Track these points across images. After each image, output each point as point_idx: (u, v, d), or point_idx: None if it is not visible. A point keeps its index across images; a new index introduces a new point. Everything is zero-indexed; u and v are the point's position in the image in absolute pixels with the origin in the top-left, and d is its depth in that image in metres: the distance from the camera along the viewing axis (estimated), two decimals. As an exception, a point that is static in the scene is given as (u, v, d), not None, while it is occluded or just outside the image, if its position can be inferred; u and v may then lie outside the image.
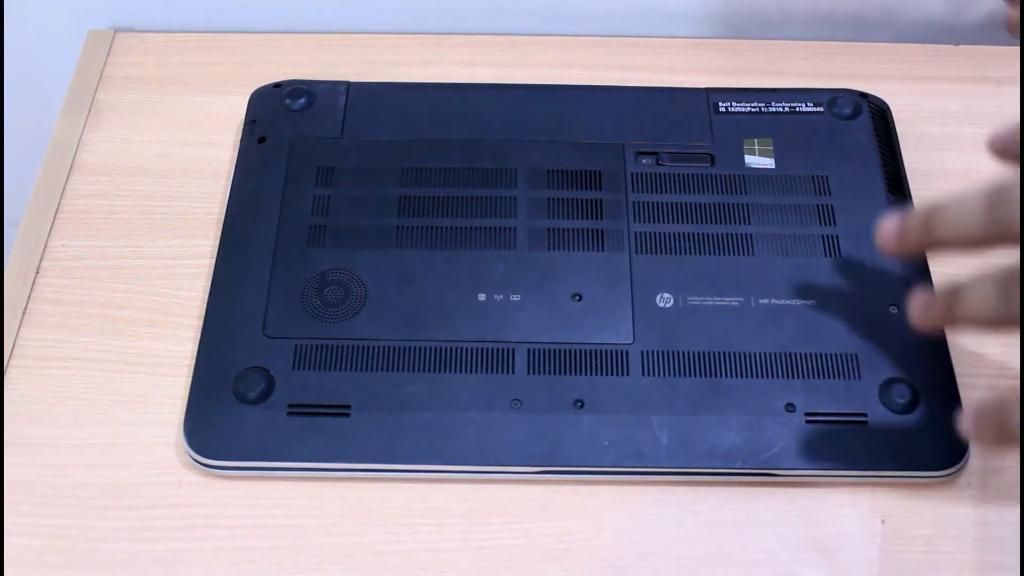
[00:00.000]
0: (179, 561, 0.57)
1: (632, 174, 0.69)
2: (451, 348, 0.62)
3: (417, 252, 0.66)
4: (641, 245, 0.66)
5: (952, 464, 0.59)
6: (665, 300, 0.64)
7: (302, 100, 0.73)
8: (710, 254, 0.66)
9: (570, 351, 0.62)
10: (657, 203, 0.68)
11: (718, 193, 0.69)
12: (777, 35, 0.82)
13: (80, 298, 0.67)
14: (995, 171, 0.73)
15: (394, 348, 0.62)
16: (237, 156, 0.71)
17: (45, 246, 0.69)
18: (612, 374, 0.61)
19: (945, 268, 0.68)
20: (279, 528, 0.58)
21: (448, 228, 0.67)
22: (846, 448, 0.59)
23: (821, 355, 0.62)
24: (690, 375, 0.61)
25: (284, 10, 0.82)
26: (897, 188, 0.70)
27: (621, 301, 0.64)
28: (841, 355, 0.62)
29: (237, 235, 0.67)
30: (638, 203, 0.68)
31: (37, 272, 0.68)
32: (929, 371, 0.61)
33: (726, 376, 0.61)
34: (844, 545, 0.58)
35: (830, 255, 0.66)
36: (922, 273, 0.66)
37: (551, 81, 0.77)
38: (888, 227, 0.50)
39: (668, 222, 0.67)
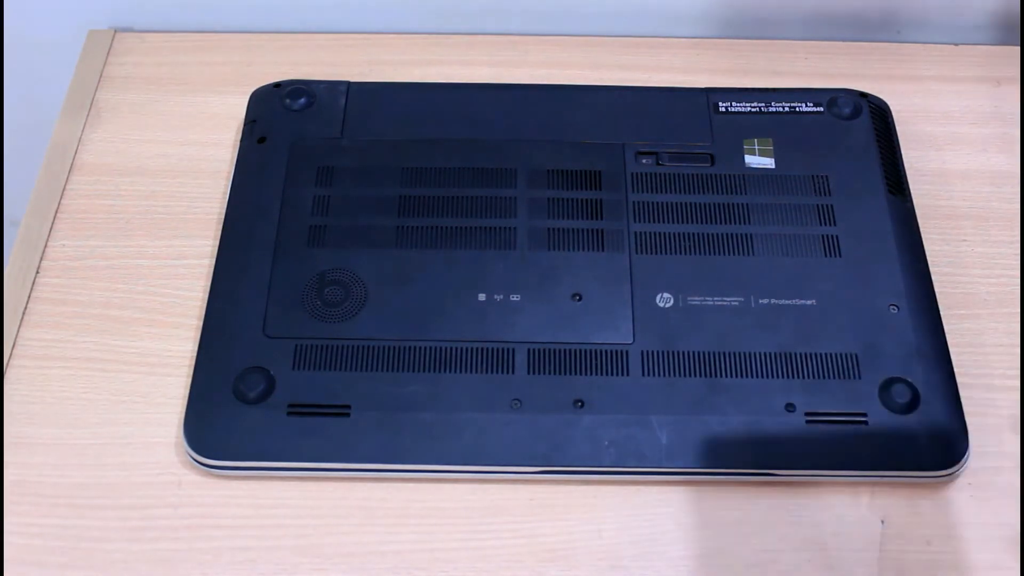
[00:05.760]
0: (179, 561, 0.57)
1: (632, 174, 0.69)
2: (451, 348, 0.62)
3: (417, 252, 0.66)
4: (641, 245, 0.66)
5: (952, 464, 0.59)
6: (665, 300, 0.64)
7: (302, 100, 0.73)
8: (710, 254, 0.66)
9: (570, 351, 0.62)
10: (657, 203, 0.68)
11: (718, 193, 0.69)
12: (777, 35, 0.82)
13: (80, 298, 0.67)
14: (994, 171, 0.74)
15: (394, 348, 0.62)
16: (237, 156, 0.71)
17: (45, 246, 0.69)
18: (612, 374, 0.61)
19: (945, 268, 0.68)
20: (279, 528, 0.58)
21: (448, 228, 0.67)
22: (846, 448, 0.59)
23: (821, 355, 0.62)
24: (690, 375, 0.61)
25: (284, 10, 0.82)
26: (897, 188, 0.69)
27: (621, 301, 0.64)
28: (841, 355, 0.62)
29: (237, 235, 0.67)
30: (638, 203, 0.68)
31: (37, 272, 0.68)
32: (929, 371, 0.61)
33: (726, 376, 0.61)
34: (844, 545, 0.58)
35: (830, 255, 0.66)
36: (922, 273, 0.66)
37: (551, 81, 0.77)
38: None
39: (668, 222, 0.67)
